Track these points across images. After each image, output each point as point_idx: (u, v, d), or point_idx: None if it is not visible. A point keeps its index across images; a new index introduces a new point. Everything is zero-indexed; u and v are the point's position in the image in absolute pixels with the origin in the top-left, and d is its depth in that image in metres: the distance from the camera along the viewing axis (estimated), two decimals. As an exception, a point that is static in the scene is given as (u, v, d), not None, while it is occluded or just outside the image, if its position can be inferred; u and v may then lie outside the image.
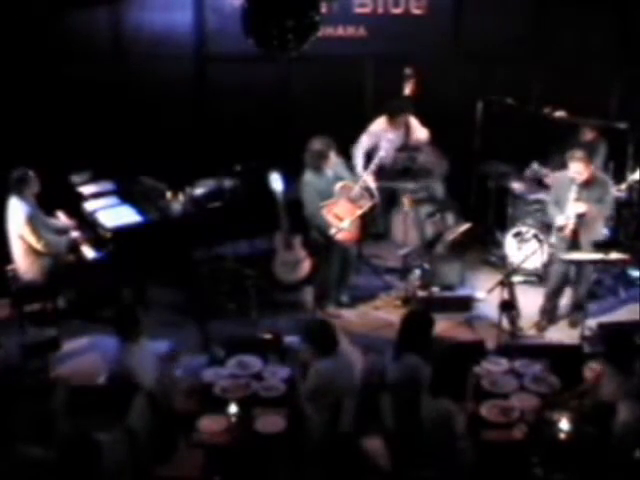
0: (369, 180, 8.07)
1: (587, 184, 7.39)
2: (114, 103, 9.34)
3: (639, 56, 9.19)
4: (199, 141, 9.55)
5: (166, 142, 9.21)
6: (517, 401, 5.81)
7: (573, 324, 7.72)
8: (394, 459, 5.57)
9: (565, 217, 7.41)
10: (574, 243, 7.47)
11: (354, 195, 7.82)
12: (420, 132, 8.57)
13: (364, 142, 8.57)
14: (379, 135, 8.53)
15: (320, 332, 5.99)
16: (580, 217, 7.39)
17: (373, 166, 8.08)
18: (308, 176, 7.82)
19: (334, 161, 7.81)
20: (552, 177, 8.19)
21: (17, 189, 7.52)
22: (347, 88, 9.39)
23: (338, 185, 7.82)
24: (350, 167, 8.19)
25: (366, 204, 7.88)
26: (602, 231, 7.83)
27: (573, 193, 7.35)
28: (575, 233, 7.44)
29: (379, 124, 8.64)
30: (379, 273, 8.67)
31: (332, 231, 7.74)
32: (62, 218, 8.11)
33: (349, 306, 8.20)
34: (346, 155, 8.16)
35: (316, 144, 7.74)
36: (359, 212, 7.82)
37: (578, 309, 7.67)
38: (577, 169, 7.34)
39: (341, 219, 7.78)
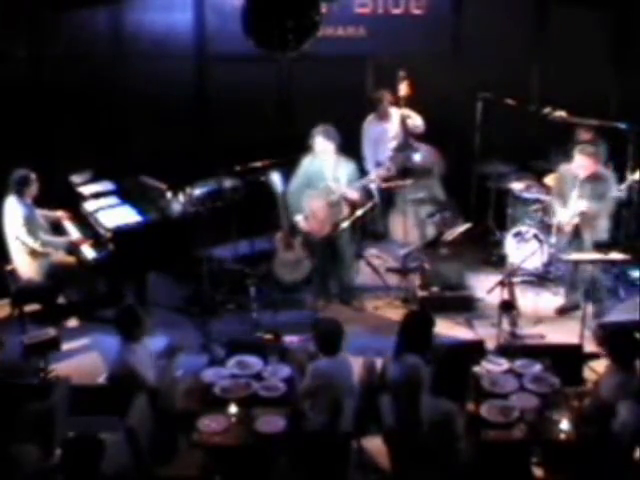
0: (350, 193, 7.86)
1: (590, 180, 7.46)
2: (114, 103, 9.34)
3: (639, 56, 9.19)
4: (199, 141, 9.55)
5: (166, 142, 9.20)
6: (517, 401, 5.80)
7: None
8: (394, 459, 5.57)
9: (568, 215, 7.49)
10: (577, 240, 7.55)
11: (330, 200, 7.82)
12: (415, 120, 8.60)
13: (368, 153, 8.74)
14: (374, 136, 8.66)
15: (329, 331, 6.00)
16: (582, 215, 7.48)
17: (365, 181, 7.99)
18: (307, 158, 7.88)
19: (322, 149, 7.75)
20: (556, 172, 8.15)
21: (18, 190, 7.53)
22: (347, 88, 9.39)
23: (325, 183, 7.82)
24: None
25: (339, 212, 7.87)
26: (605, 229, 7.77)
27: (576, 189, 7.40)
28: (577, 230, 7.52)
29: (367, 121, 8.85)
30: (379, 273, 8.67)
31: (297, 217, 7.85)
32: (62, 218, 8.12)
33: (349, 305, 8.19)
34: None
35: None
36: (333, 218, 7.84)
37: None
38: (583, 163, 7.41)
39: (314, 214, 7.83)
